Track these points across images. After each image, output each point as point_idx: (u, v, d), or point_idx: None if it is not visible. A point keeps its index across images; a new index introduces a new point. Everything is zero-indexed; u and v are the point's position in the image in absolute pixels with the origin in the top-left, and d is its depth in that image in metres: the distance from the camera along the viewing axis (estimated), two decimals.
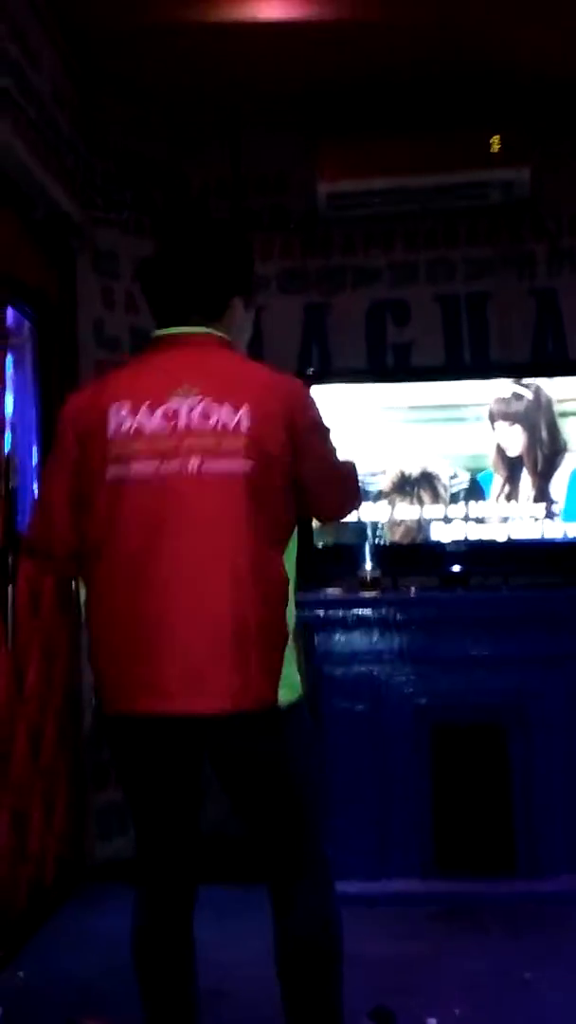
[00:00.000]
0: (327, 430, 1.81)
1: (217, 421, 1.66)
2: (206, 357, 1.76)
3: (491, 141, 3.38)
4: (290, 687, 1.68)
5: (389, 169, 3.47)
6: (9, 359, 2.91)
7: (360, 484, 1.93)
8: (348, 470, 1.86)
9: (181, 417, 1.67)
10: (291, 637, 1.70)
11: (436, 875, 2.84)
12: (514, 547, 3.23)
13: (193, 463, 1.65)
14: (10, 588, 2.66)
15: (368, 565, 3.13)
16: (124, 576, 1.66)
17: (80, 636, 3.32)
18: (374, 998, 1.89)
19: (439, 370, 3.54)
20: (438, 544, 3.26)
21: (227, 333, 1.81)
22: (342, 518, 1.99)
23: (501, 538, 3.24)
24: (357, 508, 2.04)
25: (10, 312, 2.92)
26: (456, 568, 3.22)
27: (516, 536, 3.23)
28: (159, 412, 1.68)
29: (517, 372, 3.37)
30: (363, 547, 3.21)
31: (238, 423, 1.66)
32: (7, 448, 2.70)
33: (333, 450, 1.81)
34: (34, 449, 3.15)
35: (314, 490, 1.76)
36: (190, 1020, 1.74)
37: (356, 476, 1.89)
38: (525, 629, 3.01)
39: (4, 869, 2.62)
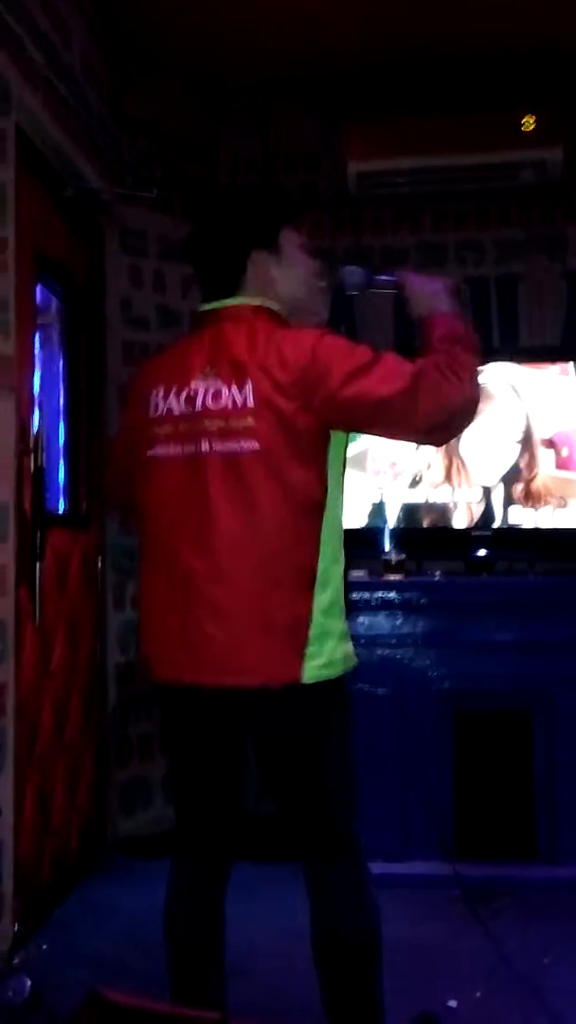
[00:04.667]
0: (373, 365, 1.62)
1: (226, 402, 1.65)
2: (233, 332, 1.70)
3: (523, 121, 3.33)
4: (330, 664, 1.65)
5: (420, 149, 3.43)
6: (36, 337, 2.91)
7: (449, 388, 1.61)
8: (407, 391, 1.60)
9: (198, 400, 1.68)
10: (340, 612, 1.69)
11: (457, 859, 2.84)
12: (540, 533, 3.21)
13: (206, 445, 1.67)
14: (39, 565, 2.67)
15: (393, 548, 3.13)
16: (157, 554, 1.72)
17: (105, 613, 3.35)
18: (394, 980, 1.91)
19: None
20: (464, 529, 3.25)
21: (264, 295, 1.73)
22: (449, 430, 1.67)
23: (528, 524, 3.23)
24: (455, 411, 1.64)
25: (38, 290, 2.92)
26: (482, 553, 3.21)
27: (543, 522, 3.21)
28: (184, 395, 1.70)
29: (548, 356, 3.34)
30: (388, 530, 3.21)
31: (244, 402, 1.63)
32: (35, 427, 2.70)
33: (384, 380, 1.61)
34: (61, 427, 3.16)
35: (389, 432, 1.70)
36: (218, 994, 1.75)
37: (428, 380, 1.61)
38: (550, 615, 2.99)
39: (29, 843, 2.65)
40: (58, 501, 3.10)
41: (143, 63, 3.43)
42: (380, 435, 1.79)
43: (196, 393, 1.69)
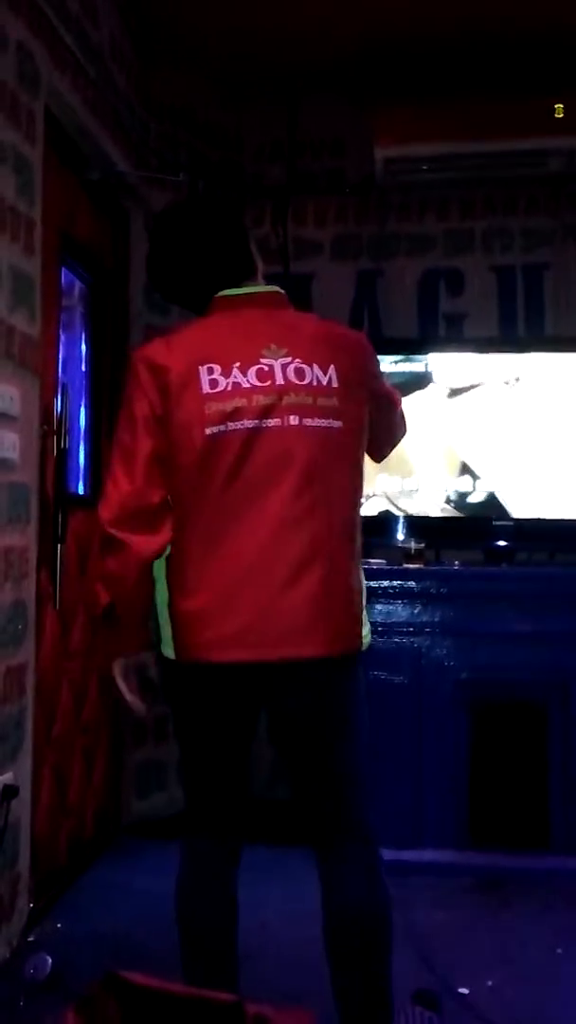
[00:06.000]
0: (382, 376, 1.93)
1: (312, 379, 1.71)
2: (280, 314, 1.80)
3: (554, 108, 3.30)
4: (368, 633, 1.77)
5: (448, 134, 3.39)
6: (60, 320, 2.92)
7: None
8: (401, 409, 2.00)
9: (277, 375, 1.69)
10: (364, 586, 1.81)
11: (470, 847, 2.85)
12: (561, 524, 3.19)
13: (293, 419, 1.68)
14: (60, 547, 2.69)
15: (412, 537, 3.12)
16: (225, 528, 1.67)
17: None
18: (404, 965, 1.92)
19: (492, 341, 3.49)
20: (484, 519, 3.24)
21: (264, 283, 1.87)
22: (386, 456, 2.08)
23: (548, 515, 3.22)
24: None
25: (63, 273, 2.92)
26: (501, 543, 3.20)
27: (565, 513, 3.20)
28: (253, 371, 1.69)
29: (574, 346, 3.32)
30: (408, 519, 3.20)
31: (329, 382, 1.72)
32: (59, 409, 2.71)
33: (391, 392, 1.95)
34: (83, 411, 3.17)
35: (381, 436, 1.92)
36: (230, 975, 1.76)
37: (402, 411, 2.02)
38: (569, 607, 2.98)
39: (46, 822, 2.68)
40: (78, 483, 3.12)
41: (171, 48, 3.41)
42: (374, 440, 1.91)
43: (272, 368, 1.70)
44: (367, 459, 1.88)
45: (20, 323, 2.40)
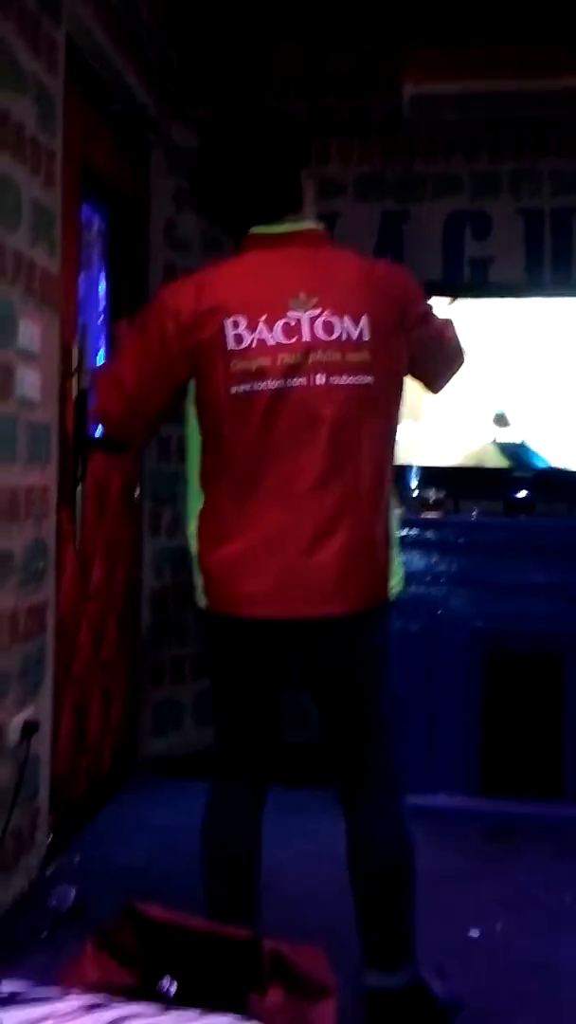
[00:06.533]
0: (431, 309, 1.84)
1: (341, 334, 1.66)
2: (316, 258, 1.73)
3: None
4: (399, 582, 1.77)
5: (478, 72, 3.28)
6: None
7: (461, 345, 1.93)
8: (454, 342, 1.89)
9: (304, 331, 1.64)
10: (397, 536, 1.81)
11: (482, 794, 2.88)
12: None
13: (320, 378, 1.65)
14: (80, 488, 2.69)
15: (431, 487, 3.10)
16: (251, 488, 1.67)
17: (142, 538, 3.37)
18: (416, 908, 1.96)
19: (518, 286, 3.42)
20: (504, 469, 3.22)
21: (311, 217, 1.78)
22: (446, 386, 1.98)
23: (569, 466, 3.19)
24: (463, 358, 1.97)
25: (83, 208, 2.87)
26: (521, 494, 3.18)
27: None
28: (279, 326, 1.64)
29: None
30: (426, 469, 3.18)
31: (360, 335, 1.67)
32: (78, 349, 2.68)
33: (441, 328, 1.86)
34: (102, 350, 3.14)
35: (431, 374, 1.88)
36: (251, 911, 1.80)
37: (459, 339, 1.91)
38: None
39: (65, 758, 2.72)
40: (97, 425, 3.10)
41: None
42: (425, 376, 1.89)
43: (299, 323, 1.64)
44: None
45: (41, 258, 2.36)
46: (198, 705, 3.46)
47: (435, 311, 1.85)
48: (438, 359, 1.87)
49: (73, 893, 2.12)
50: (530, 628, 2.99)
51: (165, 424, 1.85)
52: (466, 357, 1.94)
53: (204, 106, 3.38)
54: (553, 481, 3.20)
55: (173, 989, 1.38)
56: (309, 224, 1.76)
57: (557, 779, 2.95)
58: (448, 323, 1.88)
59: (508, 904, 2.40)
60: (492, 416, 3.24)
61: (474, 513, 3.18)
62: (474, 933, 2.25)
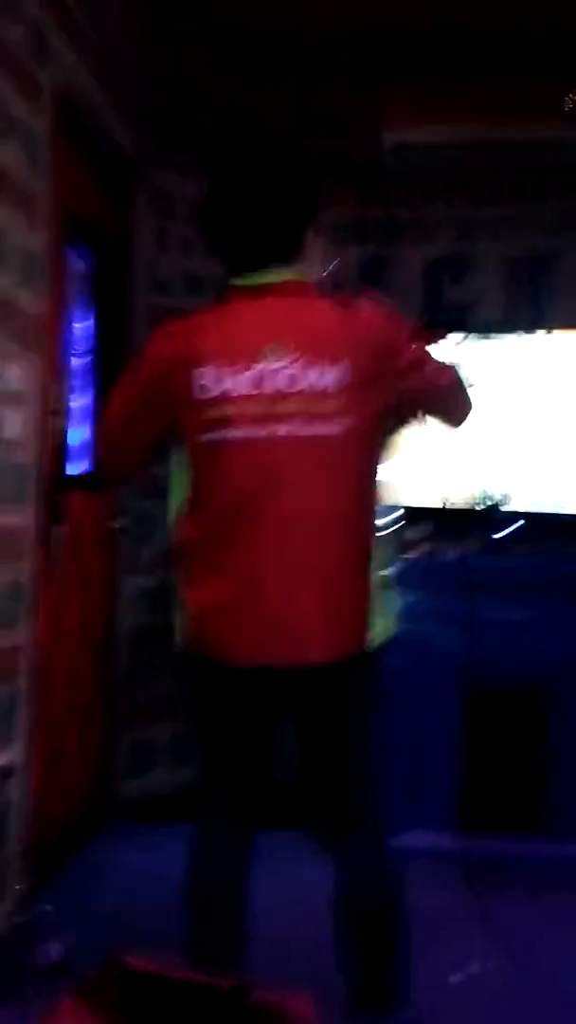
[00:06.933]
0: (427, 353, 1.80)
1: (309, 384, 1.64)
2: (293, 309, 1.71)
3: (567, 98, 3.27)
4: (383, 631, 1.75)
5: (460, 120, 3.37)
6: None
7: (467, 388, 1.90)
8: (452, 387, 1.86)
9: (272, 381, 1.64)
10: (390, 579, 1.79)
11: (465, 832, 2.87)
12: (564, 518, 3.20)
13: (289, 428, 1.64)
14: (57, 528, 2.67)
15: (413, 526, 3.12)
16: (222, 536, 1.68)
17: (117, 578, 3.35)
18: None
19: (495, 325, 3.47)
20: (485, 509, 3.24)
21: (308, 269, 1.76)
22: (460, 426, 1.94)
23: (550, 508, 3.22)
24: (470, 411, 1.93)
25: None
26: (502, 533, 3.20)
27: (564, 506, 3.20)
28: (248, 376, 1.65)
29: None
30: (410, 509, 3.20)
31: (333, 385, 1.64)
32: (60, 389, 2.68)
33: (439, 370, 1.82)
34: (86, 392, 3.14)
35: (434, 414, 1.85)
36: (239, 958, 1.78)
37: (463, 383, 1.88)
38: (568, 598, 2.99)
39: (39, 803, 2.67)
40: (75, 464, 3.09)
41: (179, 23, 3.36)
42: (430, 413, 1.86)
43: (266, 374, 1.64)
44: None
45: (26, 301, 2.37)
46: (173, 746, 3.43)
47: (432, 355, 1.82)
48: (435, 404, 1.84)
49: (58, 948, 2.07)
50: (512, 666, 3.00)
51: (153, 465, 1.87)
52: (472, 400, 1.90)
53: (188, 151, 3.42)
54: (534, 523, 3.23)
55: None
56: (290, 275, 1.74)
57: (538, 816, 2.96)
58: (446, 368, 1.85)
59: (490, 944, 2.38)
60: (484, 502, 3.27)
61: (457, 552, 3.20)
62: (455, 977, 2.22)
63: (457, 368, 1.87)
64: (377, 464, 1.77)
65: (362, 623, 1.70)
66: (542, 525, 3.24)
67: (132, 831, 3.11)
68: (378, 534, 1.77)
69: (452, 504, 3.27)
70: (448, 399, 1.85)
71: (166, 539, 1.83)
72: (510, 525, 3.21)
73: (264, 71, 3.61)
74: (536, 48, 3.32)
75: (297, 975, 1.68)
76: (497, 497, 3.26)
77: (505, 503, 3.25)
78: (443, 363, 1.84)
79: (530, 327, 3.39)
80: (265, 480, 1.65)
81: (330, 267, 1.85)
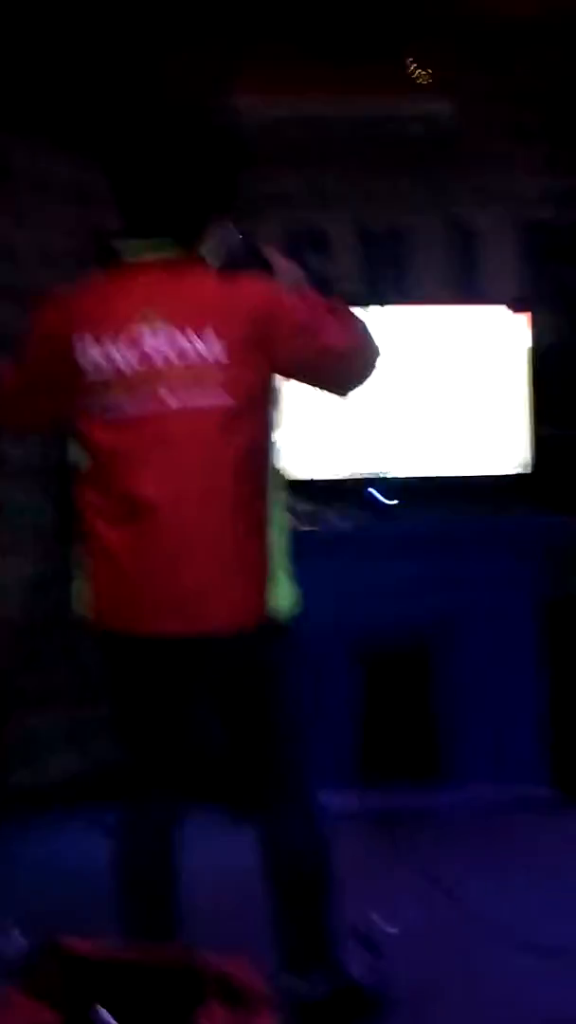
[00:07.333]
0: (320, 319, 1.73)
1: (189, 352, 1.65)
2: (172, 280, 1.71)
3: (417, 73, 3.36)
4: (285, 601, 1.77)
5: (314, 92, 3.42)
6: None
7: (370, 341, 1.82)
8: (354, 348, 1.78)
9: (148, 348, 1.65)
10: (288, 553, 1.80)
11: (365, 788, 2.97)
12: (444, 479, 3.32)
13: (167, 396, 1.65)
14: None
15: (296, 495, 3.17)
16: (111, 506, 1.69)
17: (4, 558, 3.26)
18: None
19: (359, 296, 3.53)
20: (363, 479, 3.32)
21: (204, 248, 1.74)
22: (360, 385, 1.87)
23: (431, 471, 3.33)
24: (374, 364, 1.85)
25: None
26: (383, 498, 3.29)
27: (446, 470, 3.33)
28: (122, 343, 1.66)
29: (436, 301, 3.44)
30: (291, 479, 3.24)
31: (213, 353, 1.65)
32: None
33: (335, 334, 1.74)
34: None
35: (323, 384, 1.81)
36: (172, 931, 1.80)
37: (365, 337, 1.80)
38: (448, 556, 3.14)
39: None
40: None
41: None
42: (318, 385, 1.84)
43: (144, 340, 1.65)
44: None
45: None
46: (67, 733, 3.38)
47: (328, 321, 1.75)
48: (325, 370, 1.80)
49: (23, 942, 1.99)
50: (399, 624, 3.12)
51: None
52: (373, 361, 1.83)
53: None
54: (412, 487, 3.33)
55: (111, 1020, 1.36)
56: (171, 248, 1.73)
57: (435, 766, 3.11)
58: (345, 332, 1.77)
59: (412, 894, 2.46)
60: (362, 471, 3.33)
61: (339, 517, 3.28)
62: (392, 930, 2.25)
63: (362, 330, 1.80)
64: (267, 432, 1.77)
65: (261, 591, 1.72)
66: (419, 490, 3.35)
67: (25, 821, 3.05)
68: (272, 502, 1.78)
69: (333, 475, 3.34)
70: (340, 363, 1.79)
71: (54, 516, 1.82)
72: (389, 491, 3.30)
73: (117, 35, 3.52)
74: (381, 23, 3.39)
75: (231, 942, 1.72)
76: (375, 465, 3.35)
77: (383, 471, 3.34)
78: (343, 328, 1.77)
79: (390, 299, 3.48)
80: (149, 449, 1.66)
81: (229, 244, 1.81)
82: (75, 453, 1.79)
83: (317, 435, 3.33)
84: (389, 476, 3.33)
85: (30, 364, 1.79)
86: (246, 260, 1.76)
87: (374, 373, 1.85)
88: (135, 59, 3.52)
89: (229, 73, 3.42)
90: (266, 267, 1.78)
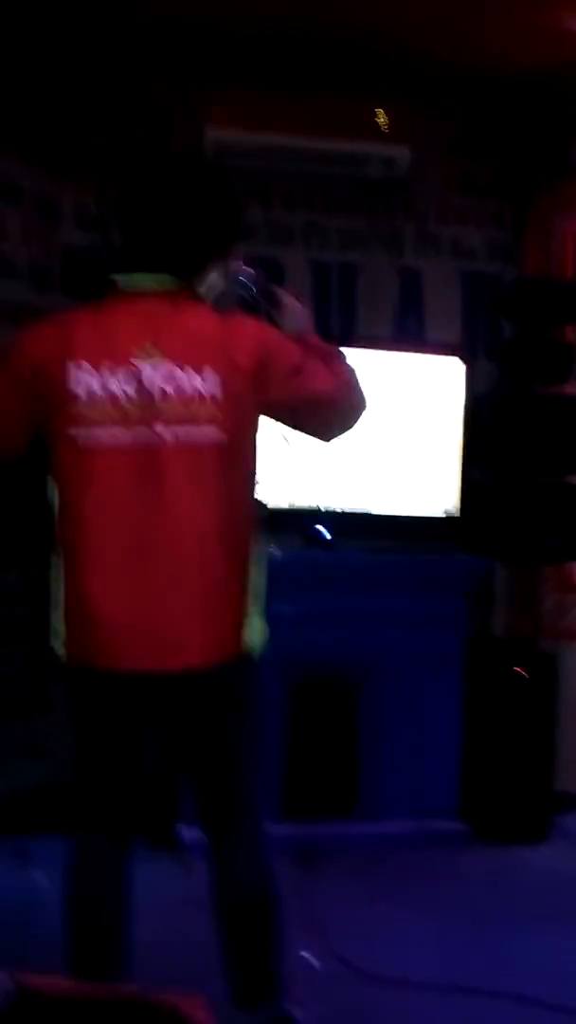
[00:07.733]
0: (305, 364, 1.78)
1: (180, 388, 1.67)
2: (171, 314, 1.73)
3: (377, 113, 3.45)
4: (258, 638, 1.79)
5: (278, 126, 3.46)
6: None
7: (357, 391, 1.88)
8: (342, 394, 1.84)
9: (146, 381, 1.66)
10: (263, 590, 1.82)
11: (287, 819, 3.02)
12: (377, 517, 3.41)
13: (162, 430, 1.66)
14: None
15: None
16: (96, 539, 1.69)
17: None
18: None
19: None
20: (304, 508, 3.39)
21: (202, 286, 1.79)
22: (343, 433, 1.92)
23: (366, 508, 3.41)
24: (359, 415, 1.91)
25: None
26: (319, 533, 3.37)
27: (380, 508, 3.41)
28: (121, 374, 1.66)
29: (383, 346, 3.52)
30: None
31: (207, 390, 1.67)
32: None
33: (324, 379, 1.79)
34: None
35: (309, 429, 1.86)
36: (122, 967, 1.81)
37: (353, 387, 1.86)
38: (382, 592, 3.22)
39: None
40: None
41: None
42: (301, 428, 1.88)
43: (142, 373, 1.66)
44: None
45: None
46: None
47: (319, 365, 1.81)
48: (311, 414, 1.84)
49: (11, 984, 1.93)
50: (328, 657, 3.17)
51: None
52: (359, 412, 1.89)
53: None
54: (350, 520, 3.41)
55: None
56: (175, 284, 1.77)
57: (352, 799, 3.17)
58: (335, 378, 1.82)
59: (319, 923, 2.50)
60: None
61: (276, 549, 3.31)
62: (306, 954, 2.32)
63: (352, 381, 1.86)
64: (254, 469, 1.81)
65: (238, 627, 1.76)
66: (352, 525, 3.43)
67: None
68: (256, 539, 1.81)
69: (274, 505, 3.38)
70: (327, 409, 1.84)
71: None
72: (325, 524, 3.37)
73: (83, 62, 3.49)
74: (349, 66, 3.47)
75: (183, 976, 1.73)
76: (313, 498, 3.41)
77: (321, 504, 3.41)
78: (333, 376, 1.82)
79: (340, 338, 3.55)
80: (135, 482, 1.67)
81: (239, 283, 1.86)
82: (52, 491, 1.78)
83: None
84: (325, 509, 3.39)
85: (11, 385, 1.77)
86: (254, 299, 1.81)
87: (357, 423, 1.91)
88: (103, 82, 3.51)
89: (199, 101, 3.44)
90: (274, 306, 1.83)
